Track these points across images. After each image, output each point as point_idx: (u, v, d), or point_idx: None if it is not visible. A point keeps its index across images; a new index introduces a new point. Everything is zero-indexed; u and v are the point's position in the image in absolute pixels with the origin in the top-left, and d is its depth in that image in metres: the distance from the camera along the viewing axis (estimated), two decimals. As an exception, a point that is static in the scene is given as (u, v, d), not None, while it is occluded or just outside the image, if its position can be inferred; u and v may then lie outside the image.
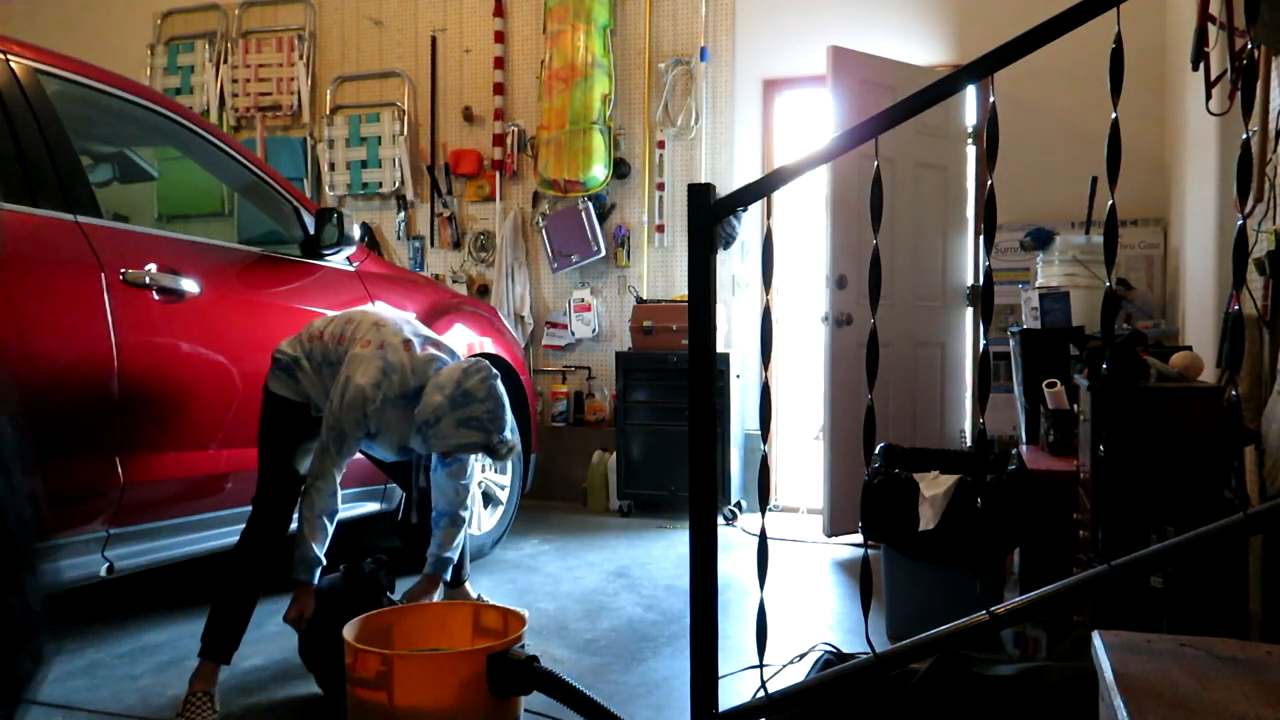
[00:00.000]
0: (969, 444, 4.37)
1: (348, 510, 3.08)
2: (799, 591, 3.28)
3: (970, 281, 4.51)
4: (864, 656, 1.75)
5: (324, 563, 2.25)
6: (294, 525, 2.33)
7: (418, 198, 5.37)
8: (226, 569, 2.30)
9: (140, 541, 2.43)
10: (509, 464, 3.80)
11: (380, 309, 2.42)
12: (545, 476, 4.75)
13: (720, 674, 1.85)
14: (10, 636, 1.17)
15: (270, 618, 2.90)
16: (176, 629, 2.85)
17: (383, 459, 2.54)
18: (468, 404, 2.18)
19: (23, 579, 1.23)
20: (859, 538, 4.06)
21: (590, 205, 4.96)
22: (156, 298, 2.41)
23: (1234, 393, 1.53)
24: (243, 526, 2.33)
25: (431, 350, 2.32)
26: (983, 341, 1.69)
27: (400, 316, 2.43)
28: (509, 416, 2.27)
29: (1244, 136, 1.51)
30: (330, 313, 2.93)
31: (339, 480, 2.24)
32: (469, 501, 2.55)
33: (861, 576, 1.78)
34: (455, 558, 2.54)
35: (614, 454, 4.71)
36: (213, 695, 2.20)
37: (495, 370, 2.28)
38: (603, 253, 4.99)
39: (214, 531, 2.62)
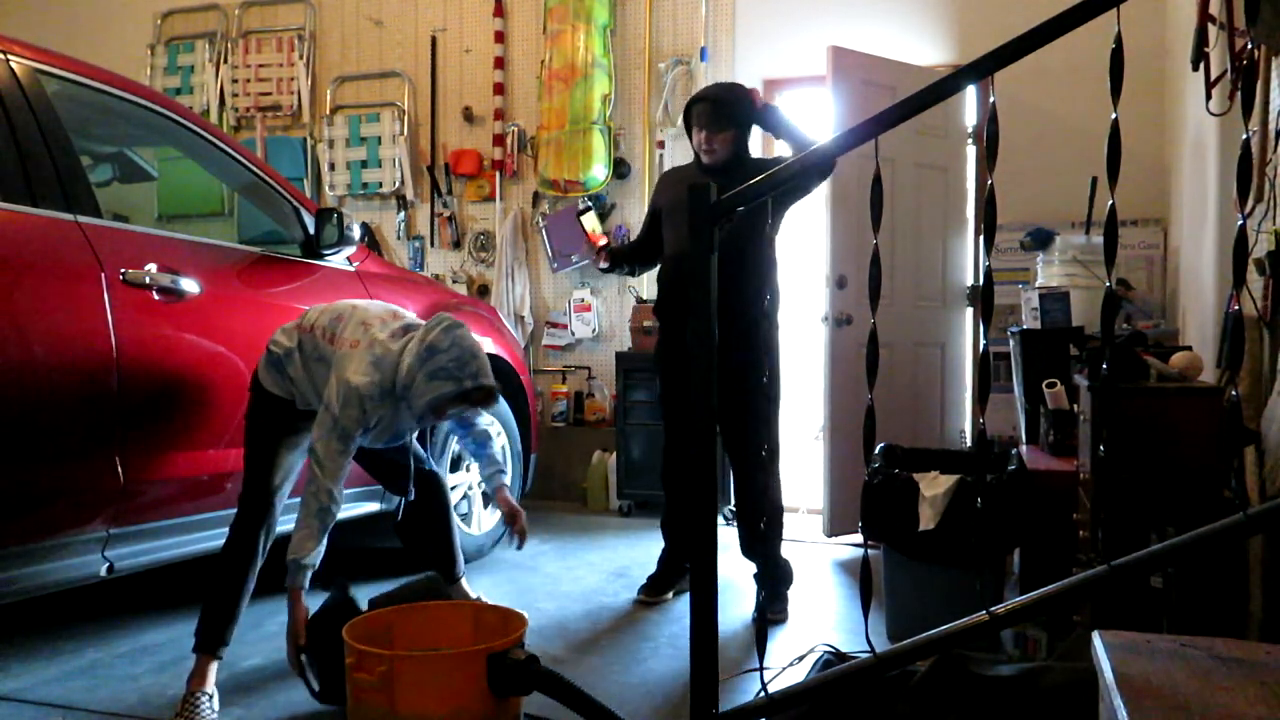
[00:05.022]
0: (969, 444, 4.37)
1: (348, 510, 3.08)
2: (799, 591, 3.28)
3: (970, 281, 4.51)
4: (864, 657, 1.75)
5: (317, 567, 2.24)
6: (283, 527, 2.32)
7: (418, 198, 5.37)
8: (214, 563, 2.31)
9: (140, 541, 2.43)
10: (509, 464, 3.80)
11: (366, 305, 2.43)
12: (545, 476, 4.75)
13: (720, 675, 1.85)
14: None
15: (270, 617, 2.90)
16: (176, 629, 2.85)
17: (375, 446, 2.51)
18: (433, 356, 2.19)
19: None
20: (859, 538, 4.06)
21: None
22: (156, 298, 2.41)
23: (1234, 393, 1.53)
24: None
25: (409, 333, 2.34)
26: (983, 341, 1.69)
27: (384, 310, 2.42)
28: (483, 364, 2.25)
29: (1244, 137, 1.51)
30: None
31: (342, 482, 2.24)
32: (499, 452, 2.81)
33: (861, 576, 1.78)
34: (505, 470, 2.78)
35: (614, 454, 4.70)
36: (210, 695, 2.20)
37: (458, 321, 2.27)
38: (603, 253, 4.99)
39: (214, 531, 2.61)
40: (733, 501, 4.47)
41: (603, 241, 3.20)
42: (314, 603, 2.28)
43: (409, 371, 2.20)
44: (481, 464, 2.78)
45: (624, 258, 3.27)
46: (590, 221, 3.26)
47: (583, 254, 3.23)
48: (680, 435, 3.18)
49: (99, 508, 2.30)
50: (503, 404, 3.76)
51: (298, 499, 2.27)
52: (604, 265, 3.25)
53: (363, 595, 2.40)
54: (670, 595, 3.24)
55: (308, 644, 2.21)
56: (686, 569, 3.16)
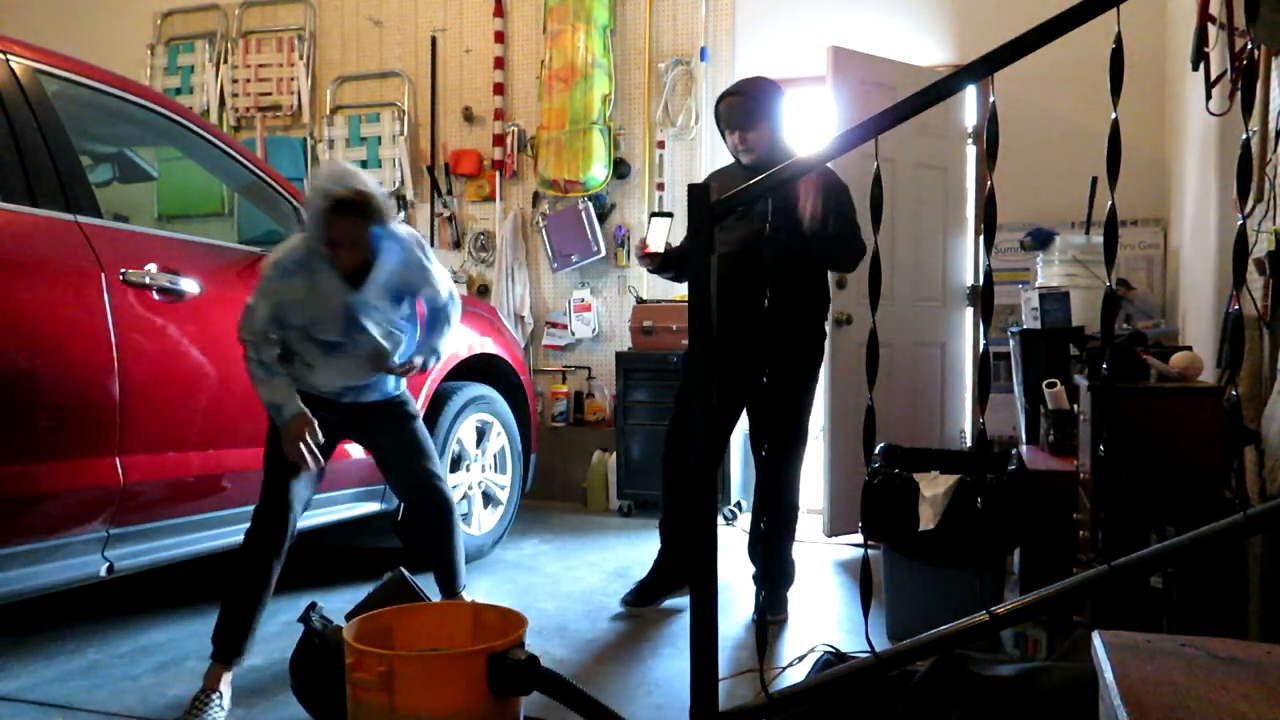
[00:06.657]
0: (969, 444, 4.37)
1: (348, 510, 3.08)
2: (799, 591, 3.28)
3: (970, 281, 4.51)
4: (864, 657, 1.75)
5: (294, 402, 2.25)
6: (300, 524, 2.32)
7: (418, 198, 5.37)
8: (232, 569, 2.30)
9: (140, 541, 2.43)
10: (509, 464, 3.80)
11: None
12: (545, 476, 4.75)
13: (720, 675, 1.85)
14: None
15: (270, 618, 2.89)
16: (176, 629, 2.85)
17: (337, 339, 2.36)
18: (313, 182, 2.24)
19: None
20: (859, 538, 4.06)
21: (590, 205, 4.97)
22: (156, 298, 2.41)
23: (1234, 393, 1.53)
24: (244, 526, 2.32)
25: None
26: (983, 341, 1.69)
27: None
28: (359, 178, 2.24)
29: (1244, 136, 1.51)
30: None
31: (259, 339, 2.24)
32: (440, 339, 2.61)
33: (861, 576, 1.78)
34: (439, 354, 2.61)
35: (614, 454, 4.70)
36: (221, 694, 2.21)
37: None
38: (603, 253, 4.99)
39: (214, 531, 2.62)
40: (734, 501, 4.50)
41: (653, 248, 3.06)
42: (291, 619, 2.26)
43: (304, 209, 2.25)
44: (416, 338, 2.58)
45: (674, 263, 3.10)
46: (659, 228, 3.17)
47: (637, 248, 3.24)
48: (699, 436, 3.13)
49: (99, 508, 2.30)
50: (503, 404, 3.76)
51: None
52: (649, 267, 3.13)
53: (360, 595, 2.40)
54: (655, 605, 3.10)
55: (297, 680, 2.22)
56: (678, 581, 3.09)
